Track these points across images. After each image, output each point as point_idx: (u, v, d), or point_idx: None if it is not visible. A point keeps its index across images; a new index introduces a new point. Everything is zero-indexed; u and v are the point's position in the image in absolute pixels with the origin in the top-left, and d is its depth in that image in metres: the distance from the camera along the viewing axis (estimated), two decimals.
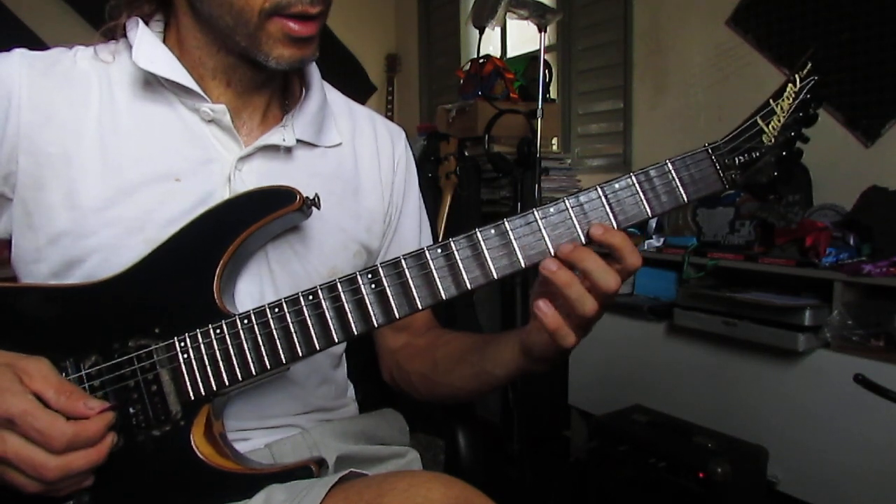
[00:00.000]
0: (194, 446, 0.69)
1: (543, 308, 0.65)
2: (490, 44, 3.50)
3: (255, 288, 0.78)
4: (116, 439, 0.65)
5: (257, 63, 0.75)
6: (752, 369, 1.90)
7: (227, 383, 0.69)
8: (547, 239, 0.66)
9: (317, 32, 0.74)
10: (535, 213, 0.66)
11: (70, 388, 0.64)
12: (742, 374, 1.93)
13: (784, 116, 0.64)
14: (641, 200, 0.66)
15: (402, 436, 0.96)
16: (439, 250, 0.67)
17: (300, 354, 0.69)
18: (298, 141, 0.82)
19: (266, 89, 0.82)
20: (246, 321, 0.69)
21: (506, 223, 0.66)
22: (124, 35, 0.79)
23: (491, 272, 0.66)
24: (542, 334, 0.68)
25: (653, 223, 2.39)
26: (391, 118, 4.02)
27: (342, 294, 0.68)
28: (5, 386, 0.61)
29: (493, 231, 0.66)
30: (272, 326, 0.69)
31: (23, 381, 0.62)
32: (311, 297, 0.68)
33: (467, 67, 2.98)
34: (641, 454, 1.83)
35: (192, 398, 0.70)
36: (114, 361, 0.70)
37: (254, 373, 0.69)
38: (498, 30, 2.71)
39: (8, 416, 0.59)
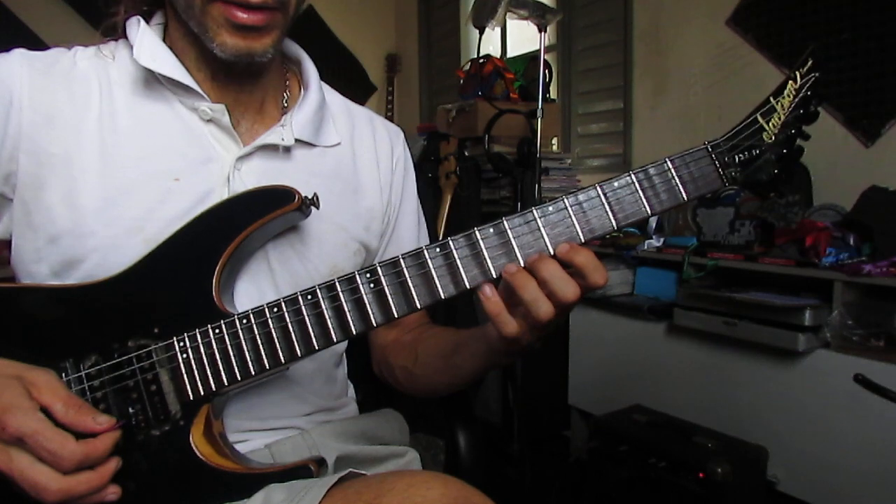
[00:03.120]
0: (194, 446, 0.69)
1: (487, 292, 0.65)
2: (490, 44, 3.50)
3: (255, 287, 0.79)
4: (119, 466, 0.65)
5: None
6: (752, 369, 1.90)
7: (226, 383, 0.69)
8: (546, 238, 0.65)
9: (266, 24, 0.71)
10: (534, 212, 0.66)
11: (78, 401, 0.64)
12: (742, 374, 1.93)
13: (784, 114, 0.64)
14: (641, 199, 0.65)
15: (402, 436, 0.96)
16: (438, 249, 0.66)
17: (299, 354, 0.69)
18: (297, 140, 0.82)
19: (256, 86, 0.81)
20: (245, 321, 0.69)
21: (504, 222, 0.66)
22: (124, 35, 0.79)
23: (490, 271, 0.66)
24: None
25: (653, 223, 2.39)
26: (391, 118, 4.03)
27: (341, 294, 0.68)
28: (16, 403, 0.61)
29: (491, 230, 0.66)
30: (271, 326, 0.69)
31: (31, 395, 0.62)
32: (309, 297, 0.68)
33: (467, 67, 2.98)
34: (641, 454, 1.83)
35: (192, 398, 0.70)
36: (113, 361, 0.70)
37: (253, 373, 0.69)
38: (498, 30, 2.71)
39: (19, 436, 0.59)
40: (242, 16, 0.70)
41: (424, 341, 0.88)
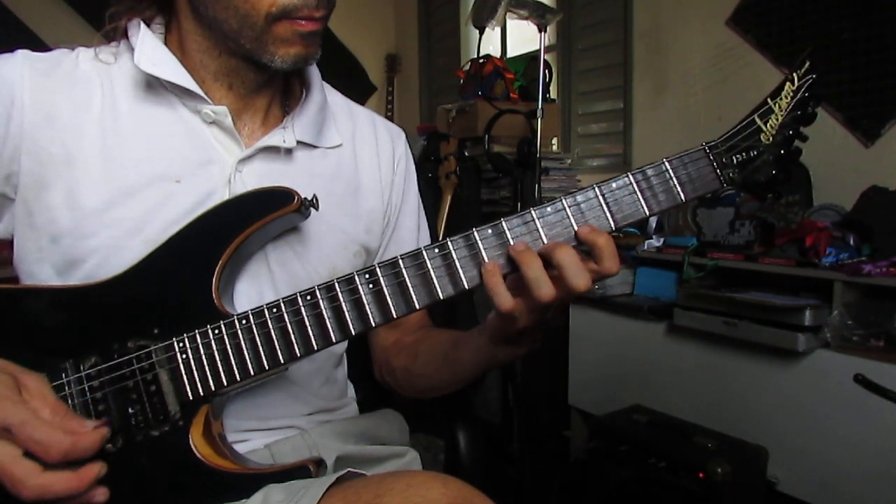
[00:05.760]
0: (193, 446, 0.69)
1: (488, 265, 0.65)
2: (490, 44, 3.50)
3: (254, 288, 0.79)
4: (102, 471, 0.64)
5: (260, 64, 0.75)
6: (752, 369, 1.90)
7: (225, 384, 0.69)
8: (544, 238, 0.65)
9: (320, 29, 0.75)
10: (533, 212, 0.66)
11: (64, 408, 0.65)
12: (742, 374, 1.93)
13: (782, 115, 0.64)
14: (639, 199, 0.65)
15: (402, 436, 0.96)
16: (437, 250, 0.67)
17: (298, 355, 0.69)
18: (299, 142, 0.82)
19: (267, 90, 0.82)
20: (244, 322, 0.70)
21: (503, 223, 0.66)
22: (125, 37, 0.79)
23: None
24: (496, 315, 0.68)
25: (653, 223, 2.39)
26: (391, 118, 4.03)
27: (340, 294, 0.68)
28: (6, 394, 0.61)
29: (490, 231, 0.66)
30: (270, 327, 0.69)
31: (21, 394, 0.62)
32: (308, 298, 0.68)
33: (467, 67, 2.98)
34: (641, 454, 1.83)
35: (191, 398, 0.70)
36: (113, 362, 0.70)
37: (252, 373, 0.69)
38: (498, 30, 2.70)
39: (6, 425, 0.59)
40: (306, 24, 0.73)
41: (426, 341, 0.88)
